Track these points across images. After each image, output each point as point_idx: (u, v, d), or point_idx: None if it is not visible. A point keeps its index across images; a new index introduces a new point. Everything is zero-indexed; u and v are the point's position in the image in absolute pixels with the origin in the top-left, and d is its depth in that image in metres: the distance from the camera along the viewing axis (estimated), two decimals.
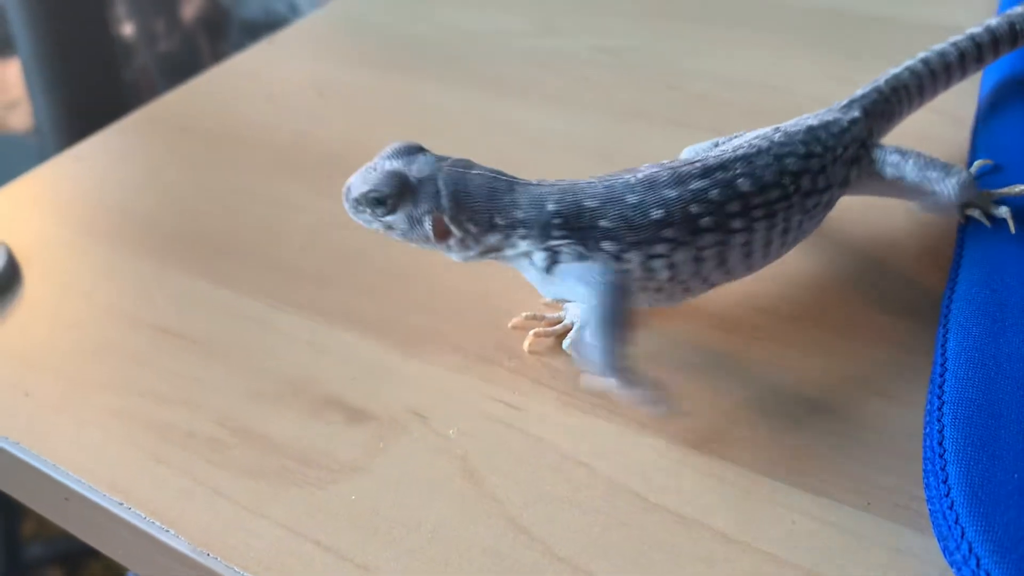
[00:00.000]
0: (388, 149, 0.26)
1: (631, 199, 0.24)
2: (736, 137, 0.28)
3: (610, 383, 0.23)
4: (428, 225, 0.25)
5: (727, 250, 0.25)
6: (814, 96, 0.37)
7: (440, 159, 0.26)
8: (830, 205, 0.27)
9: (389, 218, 0.25)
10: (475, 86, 0.41)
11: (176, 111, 0.41)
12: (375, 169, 0.26)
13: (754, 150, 0.26)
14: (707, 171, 0.25)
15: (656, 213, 0.24)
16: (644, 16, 0.45)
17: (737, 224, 0.25)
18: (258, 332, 0.29)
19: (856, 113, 0.28)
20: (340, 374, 0.27)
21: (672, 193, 0.24)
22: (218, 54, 0.91)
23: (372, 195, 0.25)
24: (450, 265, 0.30)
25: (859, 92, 0.29)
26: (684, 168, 0.25)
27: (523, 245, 0.25)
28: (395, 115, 0.39)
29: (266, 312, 0.29)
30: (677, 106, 0.38)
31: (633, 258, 0.24)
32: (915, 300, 0.27)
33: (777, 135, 0.26)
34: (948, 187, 0.27)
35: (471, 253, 0.25)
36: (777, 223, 0.25)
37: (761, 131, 0.27)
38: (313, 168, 0.36)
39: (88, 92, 0.92)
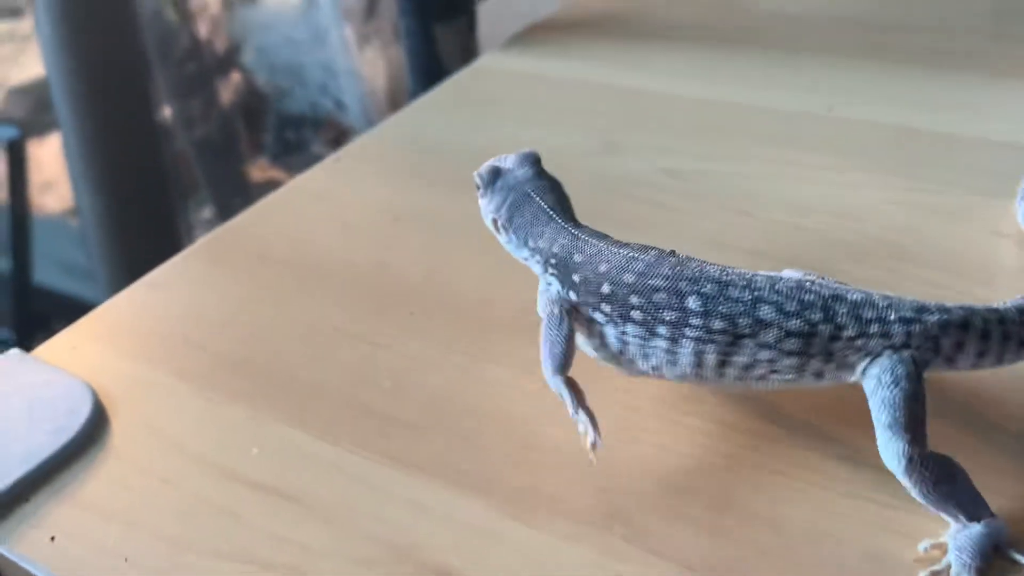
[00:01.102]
0: (521, 153, 0.33)
1: (602, 267, 0.28)
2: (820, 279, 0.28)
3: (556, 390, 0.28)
4: (490, 219, 0.32)
5: (677, 352, 0.27)
6: (885, 225, 0.37)
7: (535, 177, 0.32)
8: (817, 375, 0.26)
9: (481, 199, 0.33)
10: None
11: (250, 234, 0.42)
12: (500, 158, 0.33)
13: (770, 290, 0.26)
14: (711, 279, 0.27)
15: (603, 287, 0.28)
16: (706, 134, 0.46)
17: (691, 333, 0.26)
18: (357, 489, 0.28)
19: (895, 317, 0.25)
20: (445, 540, 0.26)
21: (655, 282, 0.27)
22: (256, 142, 0.92)
23: (476, 175, 0.33)
24: (547, 413, 0.30)
25: (940, 305, 0.26)
26: (694, 271, 0.27)
27: (537, 267, 0.31)
28: (469, 239, 0.40)
29: (363, 466, 0.29)
30: (752, 234, 0.38)
31: (593, 316, 0.28)
32: None
33: (807, 295, 0.26)
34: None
35: (517, 255, 0.32)
36: (737, 356, 0.26)
37: (819, 281, 0.27)
38: (395, 302, 0.36)
39: (129, 174, 0.94)
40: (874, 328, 0.25)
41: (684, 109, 0.49)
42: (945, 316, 0.25)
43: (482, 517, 0.27)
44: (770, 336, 0.26)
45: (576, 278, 0.29)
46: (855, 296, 0.26)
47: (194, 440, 0.31)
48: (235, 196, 1.02)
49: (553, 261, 0.30)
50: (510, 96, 0.52)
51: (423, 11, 0.59)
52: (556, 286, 0.30)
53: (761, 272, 0.27)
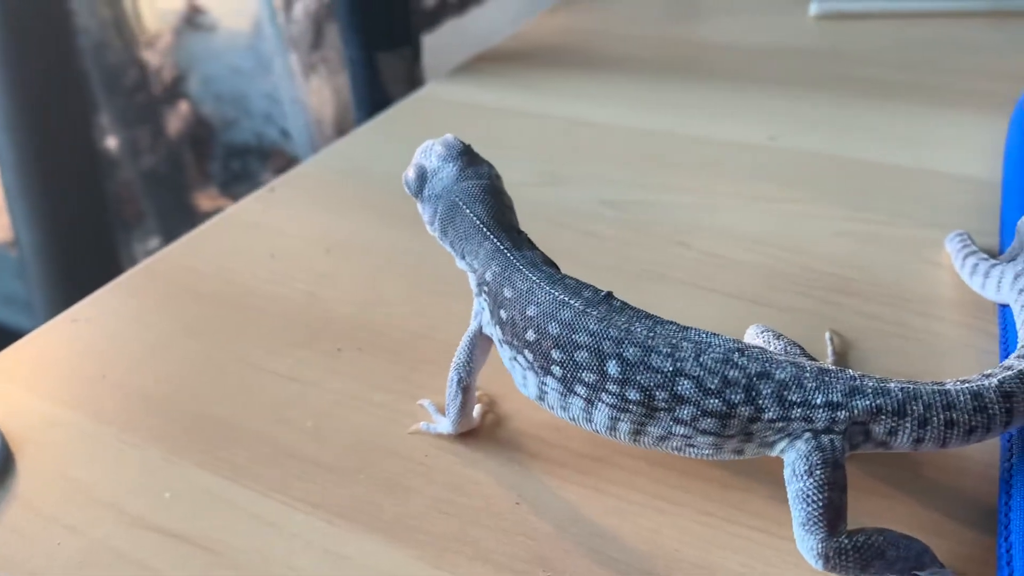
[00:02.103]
0: (445, 142, 0.32)
1: (529, 311, 0.27)
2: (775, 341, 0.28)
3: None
4: (428, 229, 0.31)
5: (592, 413, 0.26)
6: (827, 257, 0.37)
7: (461, 178, 0.30)
8: (737, 452, 0.25)
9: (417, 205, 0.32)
10: None
11: (178, 267, 0.40)
12: (424, 150, 0.32)
13: (694, 361, 0.24)
14: (636, 342, 0.25)
15: (528, 333, 0.27)
16: (646, 165, 0.45)
17: (607, 399, 0.25)
18: (271, 536, 0.27)
19: (822, 401, 0.24)
20: None
21: (579, 338, 0.26)
22: (204, 172, 0.90)
23: (404, 181, 0.32)
24: (476, 456, 0.29)
25: (879, 386, 0.24)
26: (622, 328, 0.25)
27: (472, 284, 0.30)
28: (404, 271, 0.39)
29: (279, 512, 0.28)
30: (690, 265, 0.37)
31: (516, 358, 0.28)
32: None
33: (731, 370, 0.24)
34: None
35: (459, 265, 0.30)
36: (651, 427, 0.25)
37: (753, 352, 0.25)
38: (323, 337, 0.35)
39: (69, 205, 0.91)
40: (797, 412, 0.24)
41: (626, 139, 0.48)
42: (879, 400, 0.23)
43: (403, 567, 0.26)
44: (686, 413, 0.24)
45: (503, 315, 0.28)
46: (784, 374, 0.24)
47: (104, 485, 0.29)
48: (182, 226, 1.00)
49: (485, 288, 0.29)
50: (452, 126, 0.51)
51: (366, 40, 0.59)
52: (485, 315, 0.29)
53: (695, 331, 0.25)
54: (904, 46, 0.57)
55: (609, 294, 0.27)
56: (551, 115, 0.52)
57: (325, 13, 0.72)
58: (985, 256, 0.33)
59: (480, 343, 0.29)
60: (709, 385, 0.24)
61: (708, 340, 0.25)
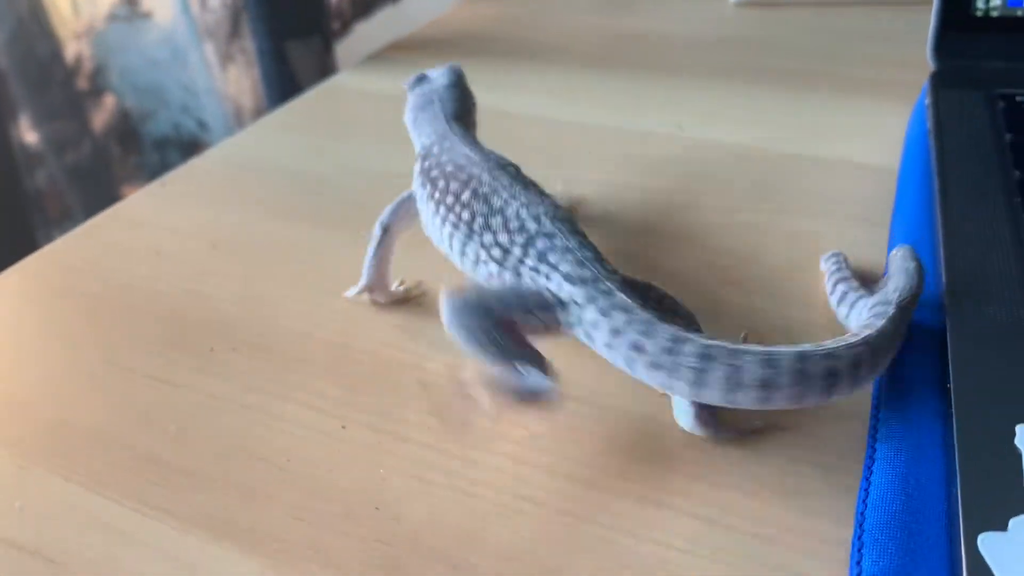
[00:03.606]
0: (449, 65, 0.39)
1: (445, 158, 0.33)
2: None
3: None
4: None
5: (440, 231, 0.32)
6: (719, 249, 0.36)
7: (449, 86, 0.37)
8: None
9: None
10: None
11: (58, 266, 0.39)
12: (432, 70, 0.39)
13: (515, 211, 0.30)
14: (497, 191, 0.31)
15: (434, 172, 0.33)
16: (558, 155, 0.45)
17: (441, 211, 0.32)
18: (123, 546, 0.26)
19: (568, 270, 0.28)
20: None
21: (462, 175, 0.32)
22: (129, 166, 0.88)
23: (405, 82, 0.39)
24: (342, 459, 0.28)
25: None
26: (492, 183, 0.31)
27: (417, 160, 0.35)
28: (290, 268, 0.37)
29: (132, 520, 0.26)
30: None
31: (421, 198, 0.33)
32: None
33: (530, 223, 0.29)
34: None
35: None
36: (467, 245, 0.31)
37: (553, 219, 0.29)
38: (199, 337, 0.34)
39: None
40: (544, 269, 0.28)
41: (538, 131, 0.47)
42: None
43: (252, 574, 0.25)
44: (487, 239, 0.30)
45: (429, 169, 0.33)
46: (562, 243, 0.28)
47: None
48: None
49: (424, 155, 0.34)
50: (360, 117, 0.50)
51: (275, 30, 0.57)
52: (417, 180, 0.34)
53: (548, 199, 0.30)
54: (816, 34, 0.57)
55: (515, 166, 0.32)
56: (509, 112, 0.50)
57: (242, 2, 0.71)
58: (855, 284, 0.32)
59: (407, 205, 0.34)
60: (511, 226, 0.29)
61: (540, 200, 0.30)
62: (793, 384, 0.24)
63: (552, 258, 0.28)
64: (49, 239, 0.98)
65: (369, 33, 1.03)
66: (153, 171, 0.88)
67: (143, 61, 0.73)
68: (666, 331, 0.25)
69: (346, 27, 1.04)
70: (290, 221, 0.41)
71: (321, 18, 0.58)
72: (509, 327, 0.27)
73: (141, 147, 0.85)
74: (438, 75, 0.39)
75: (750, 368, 0.24)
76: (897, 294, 0.27)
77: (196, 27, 0.70)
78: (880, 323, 0.26)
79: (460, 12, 0.65)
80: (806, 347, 0.24)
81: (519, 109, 0.49)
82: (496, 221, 0.30)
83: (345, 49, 1.00)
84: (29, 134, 1.00)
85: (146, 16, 0.72)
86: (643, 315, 0.25)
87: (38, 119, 0.99)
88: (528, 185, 0.31)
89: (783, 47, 0.55)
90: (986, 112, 0.39)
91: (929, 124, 0.39)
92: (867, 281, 0.31)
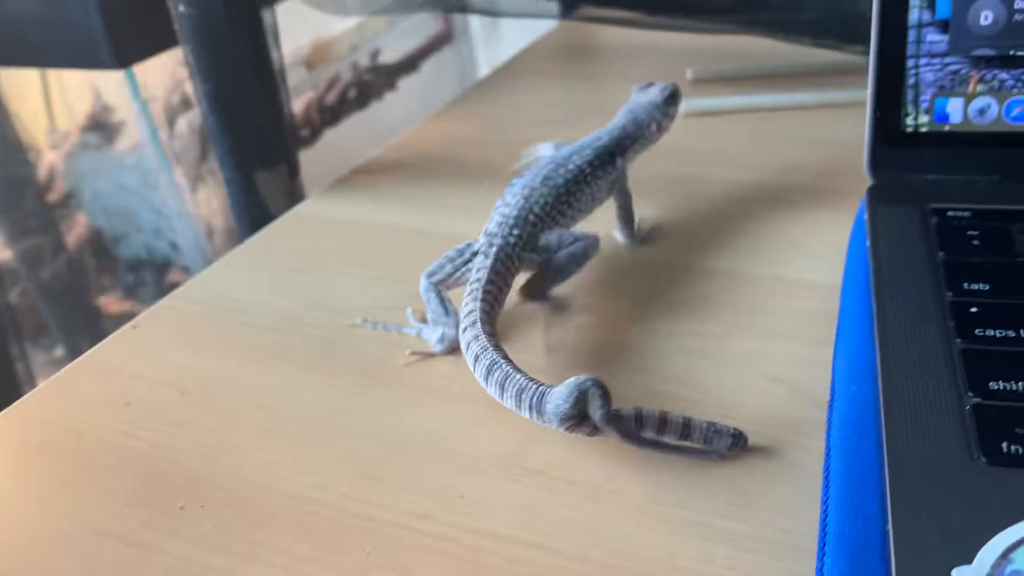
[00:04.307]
0: (668, 83, 0.51)
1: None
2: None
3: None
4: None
5: None
6: (664, 374, 0.38)
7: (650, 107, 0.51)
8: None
9: None
10: (344, 376, 0.40)
11: (29, 421, 0.40)
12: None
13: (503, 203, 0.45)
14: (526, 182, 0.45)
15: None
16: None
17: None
18: None
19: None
20: None
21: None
22: (104, 287, 0.89)
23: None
24: None
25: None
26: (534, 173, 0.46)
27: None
28: (257, 415, 0.38)
29: None
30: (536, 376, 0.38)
31: None
32: None
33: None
34: None
35: None
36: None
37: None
38: (169, 493, 0.34)
39: None
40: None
41: None
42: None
43: None
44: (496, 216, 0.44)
45: None
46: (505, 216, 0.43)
47: None
48: (89, 332, 0.98)
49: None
50: (326, 248, 0.52)
51: (242, 160, 0.59)
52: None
53: (561, 186, 0.44)
54: (761, 143, 0.59)
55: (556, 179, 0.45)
56: (428, 230, 0.52)
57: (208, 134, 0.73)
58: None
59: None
60: (507, 199, 0.44)
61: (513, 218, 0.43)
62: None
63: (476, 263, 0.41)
64: (23, 354, 0.98)
65: (339, 139, 1.06)
66: (128, 290, 0.89)
67: (113, 186, 0.75)
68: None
69: (315, 135, 1.06)
70: (259, 363, 0.42)
71: (287, 147, 0.60)
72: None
73: (115, 267, 0.86)
74: (656, 90, 0.50)
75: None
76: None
77: (165, 152, 0.72)
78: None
79: (426, 130, 0.67)
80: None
81: (474, 232, 0.51)
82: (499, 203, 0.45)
83: (315, 156, 1.02)
84: (3, 251, 1.01)
85: (115, 143, 0.74)
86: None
87: (12, 236, 1.00)
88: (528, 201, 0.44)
89: (728, 157, 0.57)
90: (920, 228, 0.41)
91: (867, 241, 0.41)
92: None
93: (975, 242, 0.39)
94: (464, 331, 0.36)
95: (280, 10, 0.72)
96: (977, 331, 0.33)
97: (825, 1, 0.57)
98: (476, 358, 0.35)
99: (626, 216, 0.48)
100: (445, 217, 0.53)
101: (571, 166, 0.45)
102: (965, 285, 0.36)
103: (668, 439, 0.32)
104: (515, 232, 0.42)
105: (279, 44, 0.58)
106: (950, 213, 0.41)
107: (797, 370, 0.37)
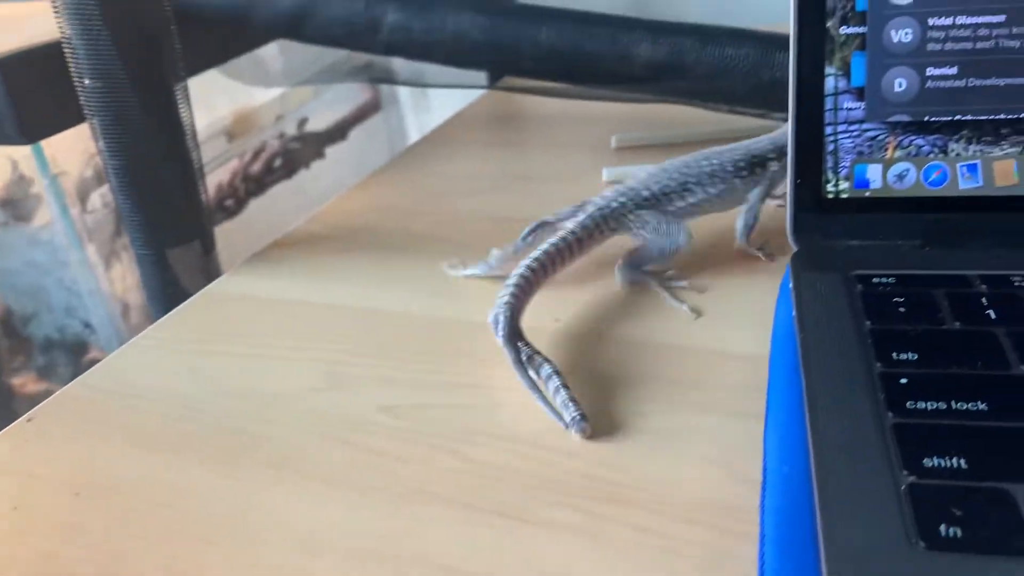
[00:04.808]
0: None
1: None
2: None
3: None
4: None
5: None
6: (598, 458, 0.36)
7: None
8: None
9: None
10: (250, 468, 0.38)
11: None
12: None
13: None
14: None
15: None
16: (432, 359, 0.44)
17: None
18: None
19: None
20: None
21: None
22: (15, 368, 0.84)
23: None
24: None
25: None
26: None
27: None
28: (157, 514, 0.35)
29: None
30: (460, 480, 0.36)
31: None
32: None
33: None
34: None
35: None
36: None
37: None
38: None
39: None
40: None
41: (418, 330, 0.47)
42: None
43: None
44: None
45: None
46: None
47: None
48: (1, 415, 0.93)
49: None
50: (238, 326, 0.49)
51: (154, 237, 0.57)
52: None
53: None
54: None
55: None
56: (344, 305, 0.50)
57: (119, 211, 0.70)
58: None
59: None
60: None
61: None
62: None
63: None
64: None
65: (266, 209, 1.03)
66: (41, 371, 0.85)
67: (23, 263, 0.72)
68: None
69: (241, 205, 1.04)
70: (161, 457, 0.39)
71: (202, 222, 0.58)
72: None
73: (28, 349, 0.82)
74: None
75: None
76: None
77: (76, 228, 0.69)
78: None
79: (348, 201, 0.66)
80: None
81: (398, 307, 0.49)
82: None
83: (240, 227, 1.00)
84: None
85: (27, 219, 0.71)
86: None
87: None
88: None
89: None
90: (846, 296, 0.40)
91: (793, 310, 0.40)
92: None
93: (901, 309, 0.38)
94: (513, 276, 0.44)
95: (199, 81, 0.71)
96: (908, 404, 0.32)
97: (742, 70, 0.57)
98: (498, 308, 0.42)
99: (748, 220, 0.50)
100: (363, 292, 0.51)
101: (715, 161, 0.49)
102: (894, 355, 0.35)
103: (540, 385, 0.39)
104: (620, 200, 0.48)
105: (192, 116, 0.56)
106: (875, 280, 0.41)
107: (730, 448, 0.36)
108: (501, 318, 0.41)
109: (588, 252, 0.47)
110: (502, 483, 0.35)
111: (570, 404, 0.38)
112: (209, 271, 0.58)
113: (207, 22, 0.69)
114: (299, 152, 1.06)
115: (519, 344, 0.40)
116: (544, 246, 0.45)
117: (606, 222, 0.47)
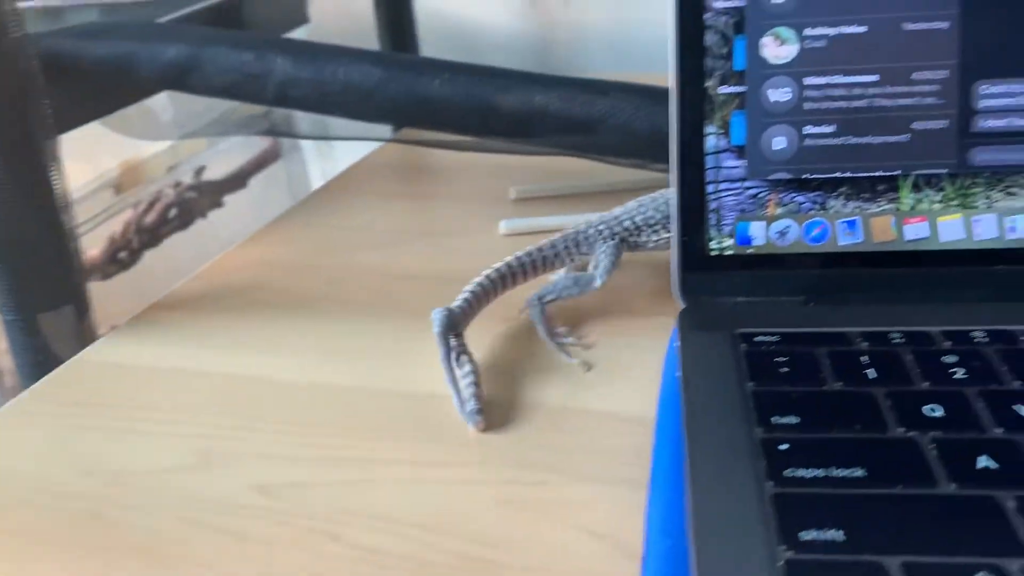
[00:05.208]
0: None
1: None
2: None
3: None
4: None
5: None
6: (481, 536, 0.35)
7: None
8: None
9: None
10: (102, 561, 0.35)
11: None
12: None
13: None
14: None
15: None
16: (315, 431, 0.42)
17: None
18: None
19: None
20: None
21: None
22: None
23: None
24: None
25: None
26: None
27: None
28: None
29: None
30: (339, 566, 0.34)
31: None
32: None
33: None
34: None
35: None
36: None
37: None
38: None
39: None
40: None
41: (300, 399, 0.45)
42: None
43: None
44: None
45: None
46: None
47: None
48: None
49: None
50: (106, 397, 0.47)
51: (23, 301, 0.53)
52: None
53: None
54: None
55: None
56: (224, 373, 0.48)
57: None
58: None
59: None
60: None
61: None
62: None
63: None
64: None
65: (160, 260, 1.00)
66: None
67: None
68: None
69: (135, 256, 1.00)
70: (12, 551, 0.36)
71: (75, 285, 0.54)
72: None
73: None
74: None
75: None
76: None
77: None
78: None
79: (237, 256, 0.63)
80: None
81: (281, 375, 0.47)
82: None
83: (134, 280, 0.96)
84: None
85: None
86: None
87: None
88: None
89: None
90: (731, 355, 0.40)
91: (677, 371, 0.40)
92: None
93: (784, 370, 0.38)
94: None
95: (81, 134, 0.68)
96: (787, 472, 0.32)
97: (634, 124, 0.57)
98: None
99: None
100: (245, 358, 0.49)
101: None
102: (774, 419, 0.35)
103: (457, 379, 0.42)
104: (598, 227, 0.50)
105: (63, 175, 0.53)
106: (758, 338, 0.41)
107: (616, 519, 0.35)
108: (438, 316, 0.43)
109: (553, 270, 0.51)
110: (383, 570, 0.33)
111: (472, 399, 0.41)
112: (83, 336, 0.55)
113: (87, 74, 0.66)
114: (196, 201, 1.03)
115: (451, 339, 0.43)
116: (510, 259, 0.48)
117: (578, 246, 0.50)
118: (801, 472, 0.32)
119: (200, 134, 0.86)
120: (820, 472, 0.32)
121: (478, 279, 0.47)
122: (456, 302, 0.45)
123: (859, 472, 0.32)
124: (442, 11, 1.08)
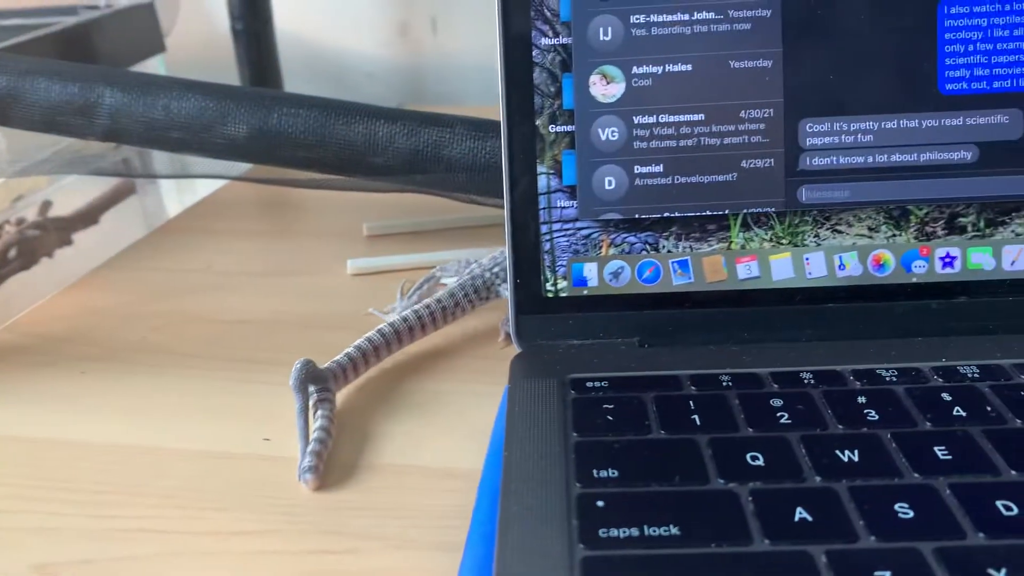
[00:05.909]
0: None
1: None
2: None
3: None
4: None
5: None
6: None
7: None
8: None
9: None
10: None
11: None
12: None
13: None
14: None
15: None
16: (114, 498, 0.38)
17: None
18: None
19: None
20: None
21: None
22: None
23: None
24: None
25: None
26: None
27: None
28: None
29: None
30: None
31: None
32: None
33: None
34: None
35: None
36: None
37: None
38: None
39: None
40: None
41: (99, 464, 0.41)
42: None
43: None
44: None
45: None
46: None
47: None
48: None
49: None
50: None
51: None
52: None
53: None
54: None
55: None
56: (23, 437, 0.43)
57: None
58: None
59: None
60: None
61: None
62: None
63: None
64: None
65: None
66: None
67: None
68: None
69: None
70: None
71: None
72: None
73: None
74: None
75: None
76: None
77: None
78: None
79: (58, 303, 0.59)
80: None
81: (81, 435, 0.43)
82: None
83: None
84: None
85: None
86: None
87: None
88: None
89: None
90: (559, 403, 0.38)
91: (504, 421, 0.38)
92: None
93: (609, 417, 0.37)
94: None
95: None
96: (601, 532, 0.30)
97: (471, 161, 0.56)
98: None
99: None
100: (51, 418, 0.45)
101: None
102: (594, 473, 0.33)
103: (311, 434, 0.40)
104: (495, 269, 0.50)
105: None
106: (588, 384, 0.39)
107: None
108: (296, 366, 0.40)
109: (454, 321, 0.49)
110: None
111: (310, 456, 0.38)
112: None
113: None
114: (40, 240, 0.97)
115: (315, 393, 0.41)
116: (407, 312, 0.46)
117: (476, 292, 0.49)
118: (615, 532, 0.30)
119: (35, 172, 0.80)
120: (635, 531, 0.30)
121: (369, 333, 0.45)
122: (338, 356, 0.43)
123: (674, 530, 0.30)
124: (305, 41, 1.05)
